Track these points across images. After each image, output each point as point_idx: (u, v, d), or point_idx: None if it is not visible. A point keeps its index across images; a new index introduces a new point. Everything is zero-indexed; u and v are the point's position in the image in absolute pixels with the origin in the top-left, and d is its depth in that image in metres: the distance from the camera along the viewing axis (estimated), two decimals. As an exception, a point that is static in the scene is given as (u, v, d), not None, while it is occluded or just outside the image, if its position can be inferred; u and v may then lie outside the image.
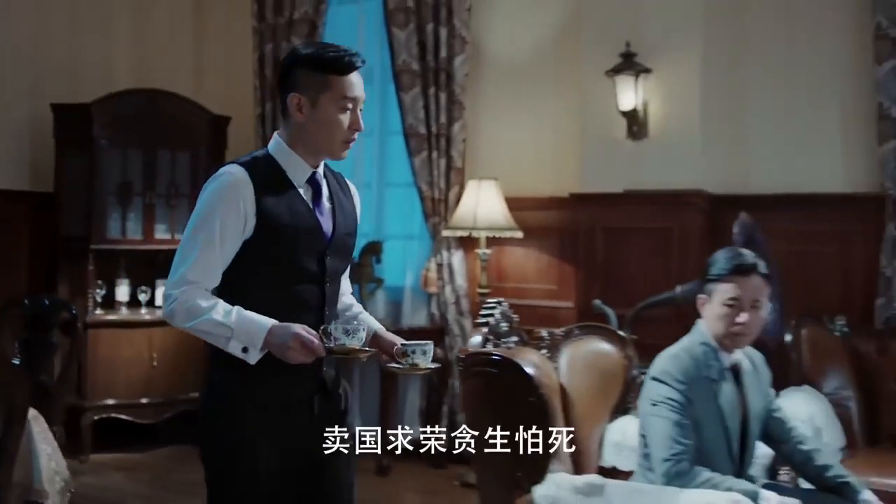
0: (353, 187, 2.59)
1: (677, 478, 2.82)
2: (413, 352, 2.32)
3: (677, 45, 5.03)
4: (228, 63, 6.69)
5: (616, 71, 4.95)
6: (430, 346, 2.36)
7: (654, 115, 5.07)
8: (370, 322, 2.58)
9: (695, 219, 4.98)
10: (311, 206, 2.40)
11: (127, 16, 6.62)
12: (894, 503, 3.18)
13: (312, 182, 2.42)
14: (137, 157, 5.93)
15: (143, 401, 5.85)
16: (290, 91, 2.37)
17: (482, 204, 5.28)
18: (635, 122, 5.05)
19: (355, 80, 2.38)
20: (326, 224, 2.42)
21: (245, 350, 2.25)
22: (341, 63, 2.36)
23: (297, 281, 2.36)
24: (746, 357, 3.13)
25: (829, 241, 5.02)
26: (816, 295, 4.95)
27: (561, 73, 5.45)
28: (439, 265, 5.77)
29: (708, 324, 3.03)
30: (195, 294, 2.25)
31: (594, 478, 2.88)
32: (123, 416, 5.80)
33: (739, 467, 3.02)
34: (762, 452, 3.24)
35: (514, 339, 3.45)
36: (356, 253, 5.70)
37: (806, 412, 3.97)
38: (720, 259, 3.03)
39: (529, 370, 2.96)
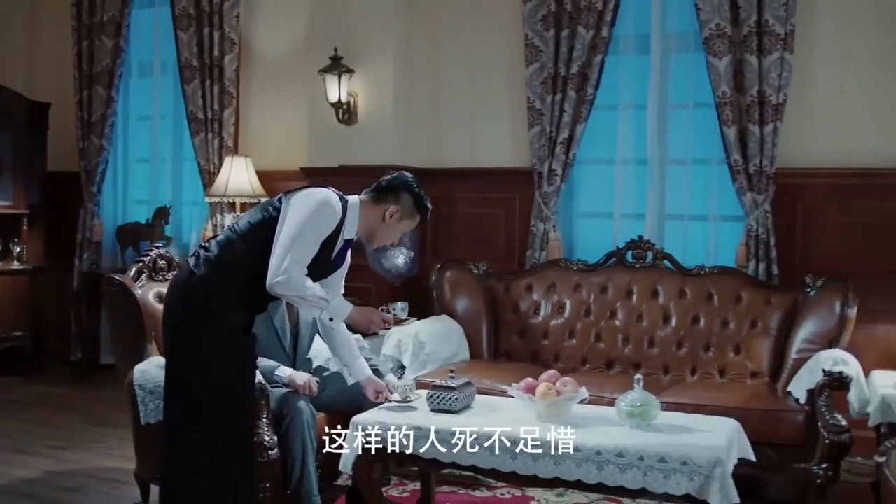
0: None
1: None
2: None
3: (376, 50, 6.31)
4: (59, 57, 7.84)
5: (326, 71, 6.22)
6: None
7: (360, 106, 6.35)
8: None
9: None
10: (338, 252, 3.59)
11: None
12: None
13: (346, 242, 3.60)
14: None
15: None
16: (393, 203, 3.58)
17: (233, 176, 6.53)
18: (346, 111, 6.33)
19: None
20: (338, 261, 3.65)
21: (331, 319, 3.56)
22: (428, 212, 3.72)
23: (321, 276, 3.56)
24: None
25: (498, 206, 6.34)
26: (488, 247, 6.29)
27: (302, 71, 6.67)
28: (214, 226, 7.04)
29: None
30: (302, 274, 3.37)
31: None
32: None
33: (294, 358, 4.37)
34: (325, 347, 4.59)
35: (175, 272, 4.71)
36: (150, 215, 7.02)
37: (426, 332, 5.29)
38: None
39: (136, 291, 4.26)
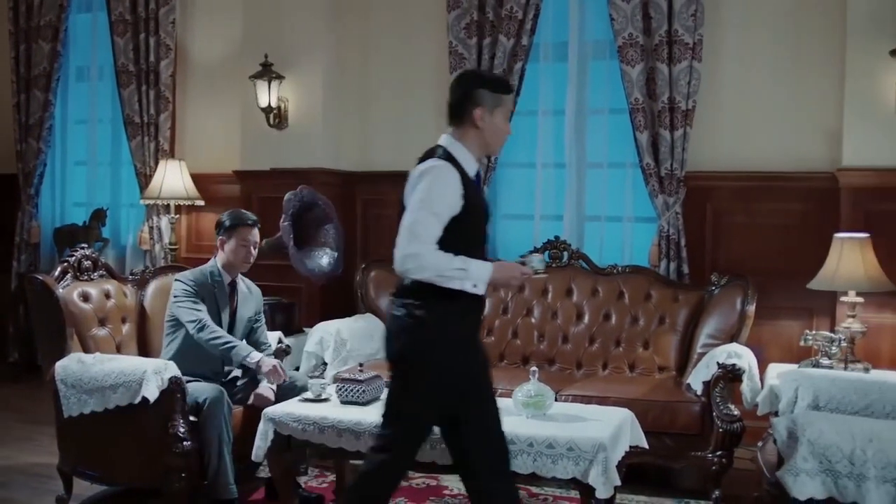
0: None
1: (201, 330, 4.37)
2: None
3: (306, 57, 6.50)
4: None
5: (256, 77, 6.39)
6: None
7: (291, 110, 6.53)
8: None
9: (324, 190, 6.34)
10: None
11: None
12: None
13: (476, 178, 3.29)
14: None
15: None
16: (472, 107, 3.22)
17: (168, 179, 6.67)
18: (277, 116, 6.50)
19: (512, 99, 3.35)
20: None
21: (475, 286, 3.14)
22: (510, 86, 3.39)
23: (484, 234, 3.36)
24: (243, 282, 4.66)
25: (424, 207, 6.51)
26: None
27: (236, 76, 6.80)
28: (151, 228, 7.17)
29: (223, 256, 4.54)
30: (433, 250, 3.10)
31: (100, 355, 4.33)
32: None
33: None
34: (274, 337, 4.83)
35: (101, 273, 4.85)
36: (87, 217, 7.14)
37: (348, 330, 5.48)
38: (234, 216, 4.64)
39: (57, 290, 4.41)
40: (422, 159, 3.30)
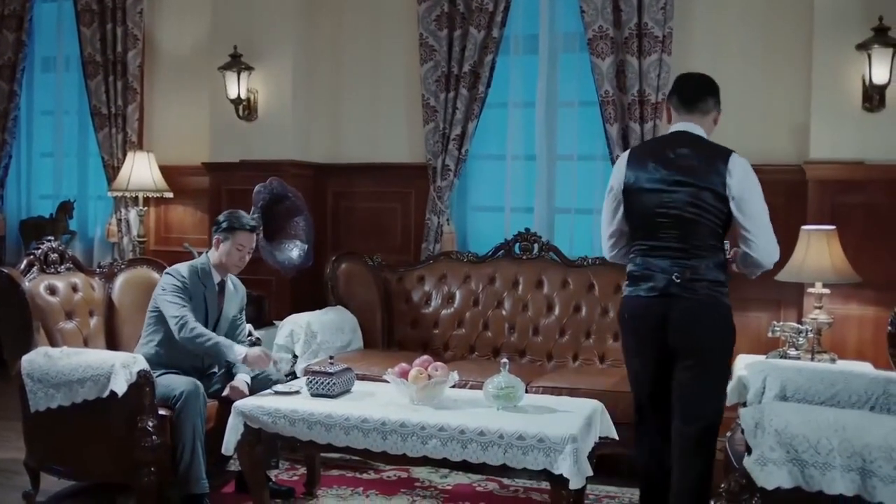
0: None
1: (183, 328, 4.30)
2: None
3: (276, 48, 6.46)
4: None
5: (226, 68, 6.34)
6: None
7: (261, 102, 6.49)
8: None
9: (294, 182, 6.32)
10: None
11: None
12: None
13: None
14: None
15: None
16: (714, 109, 3.61)
17: (136, 171, 6.61)
18: (246, 108, 6.45)
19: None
20: None
21: None
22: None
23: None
24: (230, 280, 4.62)
25: (395, 199, 6.53)
26: (386, 240, 6.48)
27: (205, 67, 6.74)
28: (119, 220, 7.10)
29: (216, 255, 4.49)
30: None
31: (67, 349, 4.29)
32: None
33: None
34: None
35: (68, 265, 4.81)
36: (54, 209, 7.06)
37: (318, 322, 5.46)
38: (232, 218, 4.54)
39: (23, 283, 4.36)
40: None
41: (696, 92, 3.60)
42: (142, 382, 4.04)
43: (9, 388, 6.24)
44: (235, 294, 4.68)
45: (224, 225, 4.53)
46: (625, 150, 5.60)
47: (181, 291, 4.41)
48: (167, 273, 4.51)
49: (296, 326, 5.33)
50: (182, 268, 4.52)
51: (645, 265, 3.55)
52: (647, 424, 3.67)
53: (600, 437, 3.99)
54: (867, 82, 5.12)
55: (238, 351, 4.34)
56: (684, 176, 3.46)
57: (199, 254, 4.73)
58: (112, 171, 7.03)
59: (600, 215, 5.87)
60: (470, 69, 6.04)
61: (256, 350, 4.41)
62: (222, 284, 4.61)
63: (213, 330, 4.51)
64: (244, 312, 4.77)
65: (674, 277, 3.46)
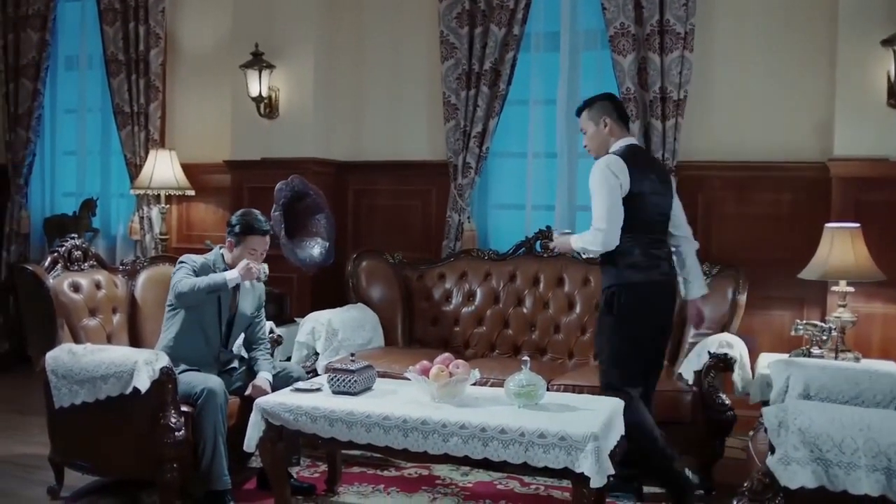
0: None
1: (175, 289, 4.36)
2: None
3: (297, 46, 6.48)
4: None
5: (247, 66, 6.36)
6: None
7: (282, 100, 6.51)
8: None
9: (315, 179, 6.33)
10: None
11: None
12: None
13: None
14: None
15: None
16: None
17: (158, 169, 6.64)
18: (268, 106, 6.47)
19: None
20: None
21: None
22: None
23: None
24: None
25: (416, 197, 6.53)
26: (406, 237, 6.48)
27: (226, 66, 6.77)
28: (141, 218, 7.14)
29: (230, 256, 4.51)
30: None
31: (91, 346, 4.31)
32: None
33: (226, 337, 4.58)
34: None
35: (91, 263, 4.84)
36: (77, 207, 7.12)
37: (339, 320, 5.47)
38: (245, 222, 4.54)
39: (47, 280, 4.39)
40: None
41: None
42: (164, 379, 4.06)
43: (33, 385, 6.33)
44: (251, 291, 4.67)
45: (237, 229, 4.53)
46: (646, 147, 5.62)
47: (191, 272, 4.45)
48: (181, 261, 4.53)
49: (317, 324, 5.34)
50: (196, 257, 4.55)
51: (649, 255, 4.18)
52: (636, 390, 4.16)
53: (621, 436, 3.97)
54: (892, 78, 5.06)
55: (230, 274, 4.37)
56: (664, 185, 4.32)
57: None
58: (134, 169, 7.08)
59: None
60: (491, 66, 6.03)
61: (241, 264, 4.40)
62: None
63: (229, 329, 4.54)
64: (263, 310, 4.77)
65: (672, 262, 4.34)
